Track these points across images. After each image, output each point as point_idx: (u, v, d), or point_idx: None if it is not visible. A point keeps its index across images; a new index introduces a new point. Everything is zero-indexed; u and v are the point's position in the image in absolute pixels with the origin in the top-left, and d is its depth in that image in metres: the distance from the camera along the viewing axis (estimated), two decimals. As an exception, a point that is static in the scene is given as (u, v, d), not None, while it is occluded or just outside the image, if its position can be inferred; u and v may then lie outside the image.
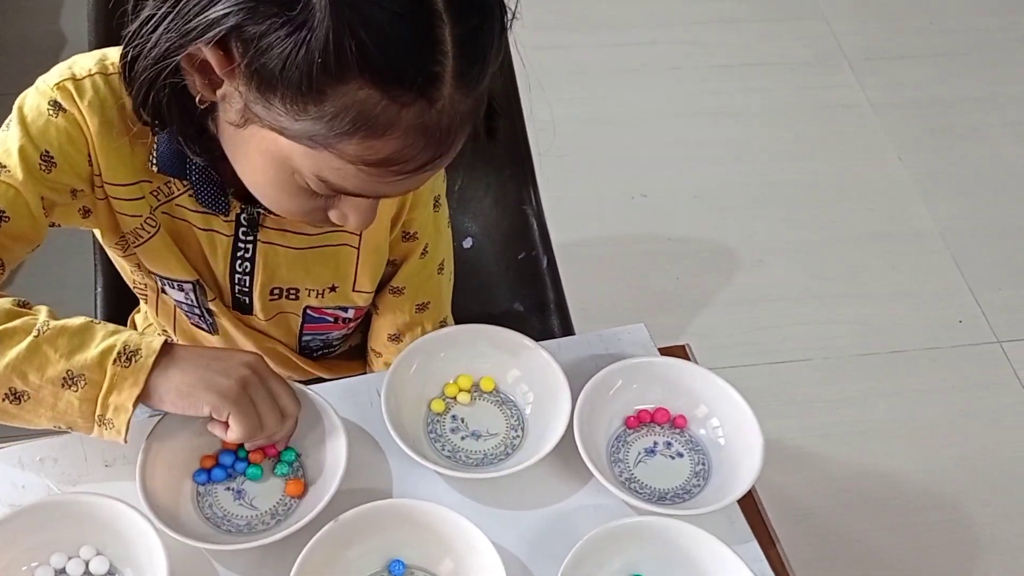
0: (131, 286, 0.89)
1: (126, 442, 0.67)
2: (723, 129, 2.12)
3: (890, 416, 1.67)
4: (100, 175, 0.73)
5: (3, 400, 0.65)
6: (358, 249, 0.82)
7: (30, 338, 0.65)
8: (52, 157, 0.69)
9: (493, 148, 1.24)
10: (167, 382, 0.66)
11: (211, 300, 0.83)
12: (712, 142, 2.09)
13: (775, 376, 1.73)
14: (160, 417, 0.71)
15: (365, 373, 0.98)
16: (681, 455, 0.77)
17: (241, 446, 0.73)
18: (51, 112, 0.69)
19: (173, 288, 0.82)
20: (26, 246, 0.72)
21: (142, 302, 0.93)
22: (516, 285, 1.30)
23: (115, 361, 0.65)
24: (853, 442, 1.64)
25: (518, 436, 0.78)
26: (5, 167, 0.68)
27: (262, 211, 0.77)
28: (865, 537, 1.53)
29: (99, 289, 1.11)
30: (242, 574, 0.68)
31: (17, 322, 0.66)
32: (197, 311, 0.84)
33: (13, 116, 0.70)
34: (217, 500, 0.71)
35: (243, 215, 0.77)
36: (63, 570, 0.66)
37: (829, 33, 2.35)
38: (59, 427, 0.67)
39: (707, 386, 0.78)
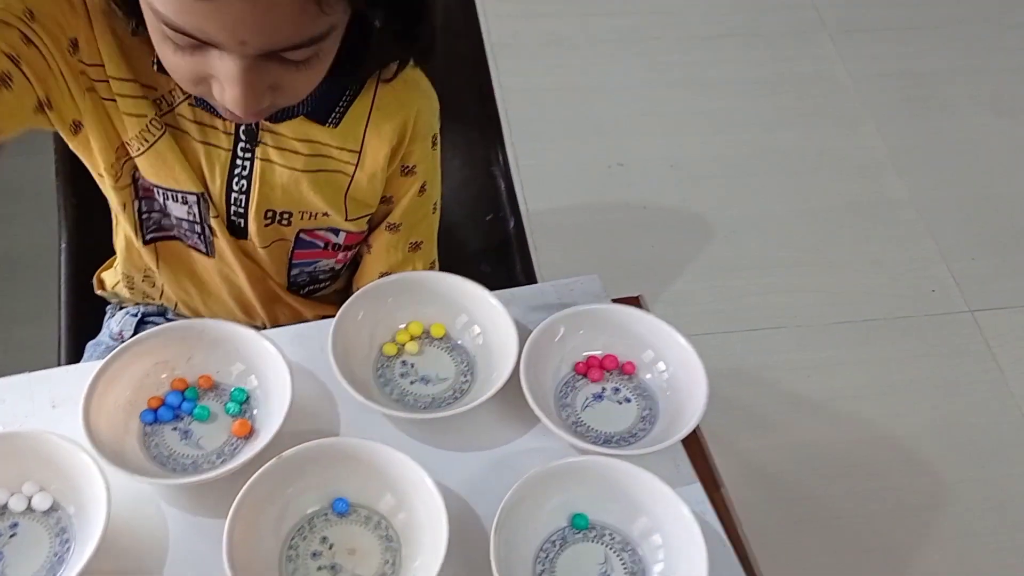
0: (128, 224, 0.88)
1: None
2: (701, 99, 2.12)
3: (861, 383, 1.69)
4: (103, 66, 0.72)
5: None
6: (352, 177, 0.83)
7: None
8: (34, 16, 0.68)
9: (460, 107, 1.25)
10: None
11: (214, 216, 0.83)
12: (689, 112, 2.09)
13: (748, 344, 1.74)
14: (109, 357, 0.71)
15: None
16: (629, 400, 0.78)
17: (190, 387, 0.74)
18: None
19: (177, 202, 0.82)
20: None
21: (118, 244, 0.93)
22: (483, 247, 1.31)
23: None
24: (824, 409, 1.66)
25: (467, 381, 0.78)
26: None
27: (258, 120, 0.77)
28: (833, 503, 1.55)
29: (63, 244, 1.11)
30: (186, 511, 0.69)
31: None
32: (198, 228, 0.85)
33: None
34: (163, 440, 0.71)
35: (242, 127, 0.78)
36: (5, 505, 0.66)
37: (809, 4, 2.34)
38: None
39: (654, 332, 0.79)
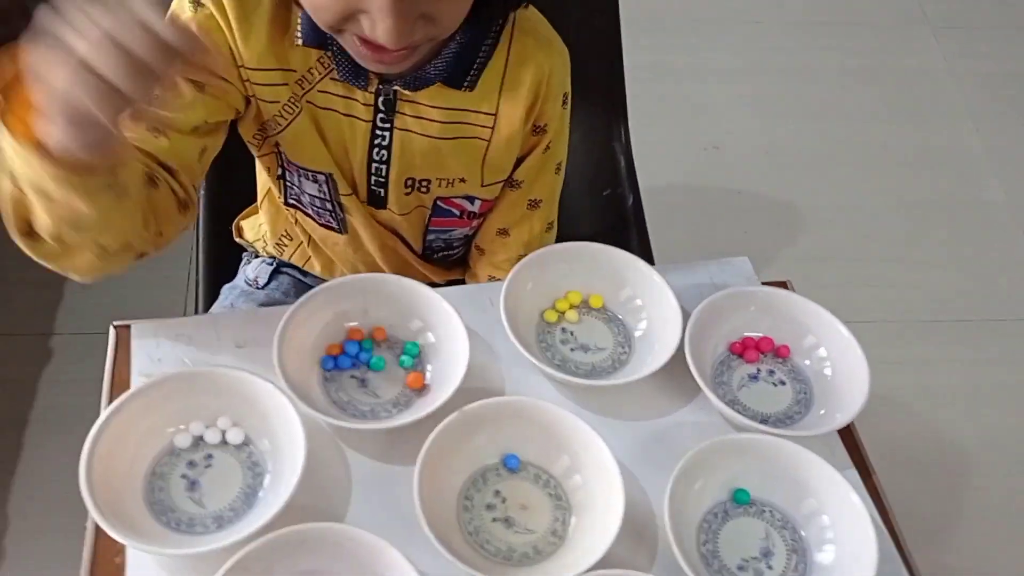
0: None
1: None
2: (798, 86, 2.11)
3: (949, 384, 1.69)
4: (243, 65, 0.76)
5: None
6: (488, 142, 0.84)
7: None
8: (203, 87, 0.74)
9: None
10: None
11: (344, 195, 0.86)
12: (787, 99, 2.08)
13: (835, 335, 1.74)
14: (298, 303, 0.74)
15: (465, 275, 1.02)
16: (783, 383, 0.79)
17: (366, 338, 0.76)
18: (192, 9, 0.74)
19: (308, 180, 0.85)
20: (189, 117, 0.75)
21: (263, 204, 0.97)
22: (599, 221, 1.32)
23: None
24: (910, 407, 1.66)
25: (625, 352, 0.80)
26: None
27: (398, 87, 0.79)
28: (907, 498, 1.54)
29: (202, 191, 1.15)
30: (365, 454, 0.72)
31: None
32: (329, 206, 0.87)
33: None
34: (342, 386, 0.74)
35: (381, 98, 0.80)
36: (201, 437, 0.70)
37: (914, -2, 2.32)
38: None
39: (814, 318, 0.80)
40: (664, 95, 2.05)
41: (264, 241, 1.03)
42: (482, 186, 0.88)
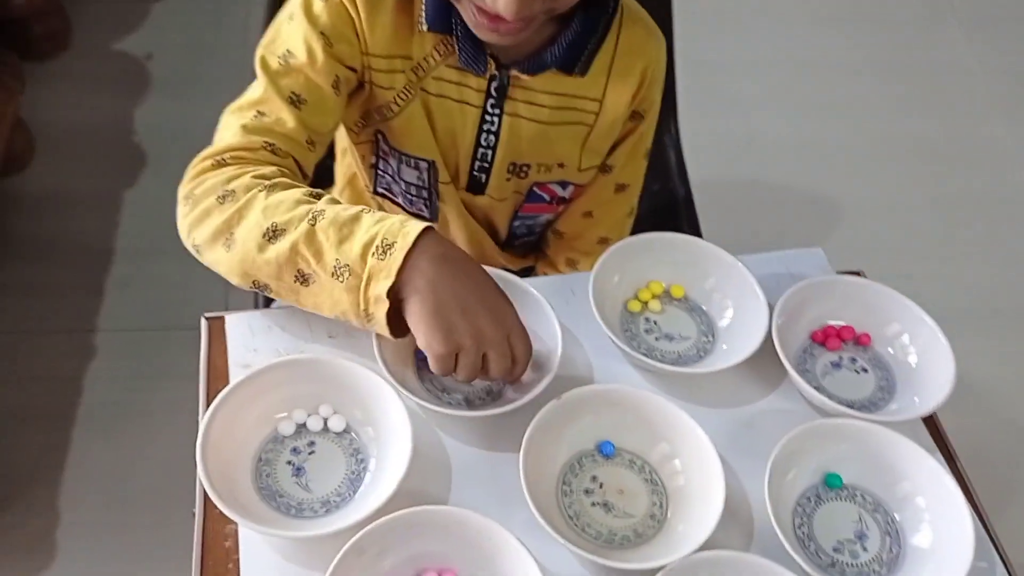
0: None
1: (396, 337, 0.69)
2: (829, 82, 2.12)
3: (988, 374, 1.70)
4: (367, 52, 0.78)
5: (295, 280, 0.68)
6: (592, 127, 0.86)
7: (306, 224, 0.67)
8: (328, 37, 0.75)
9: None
10: (414, 283, 0.65)
11: (443, 183, 0.87)
12: (817, 94, 2.10)
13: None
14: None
15: (537, 261, 1.03)
16: (866, 370, 0.81)
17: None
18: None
19: (410, 167, 0.86)
20: (327, 122, 0.78)
21: (343, 192, 0.98)
22: (650, 217, 1.33)
23: (373, 253, 0.65)
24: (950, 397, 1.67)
25: (709, 341, 0.81)
26: (293, 54, 0.75)
27: (515, 73, 0.80)
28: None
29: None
30: (461, 441, 0.73)
31: (302, 208, 0.68)
32: (425, 194, 0.88)
33: (298, 8, 0.76)
34: (436, 375, 0.75)
35: (494, 83, 0.81)
36: (304, 424, 0.71)
37: (942, -8, 2.33)
38: (339, 318, 0.69)
39: (898, 307, 0.81)
40: (694, 90, 2.05)
41: None
42: (579, 170, 0.90)
